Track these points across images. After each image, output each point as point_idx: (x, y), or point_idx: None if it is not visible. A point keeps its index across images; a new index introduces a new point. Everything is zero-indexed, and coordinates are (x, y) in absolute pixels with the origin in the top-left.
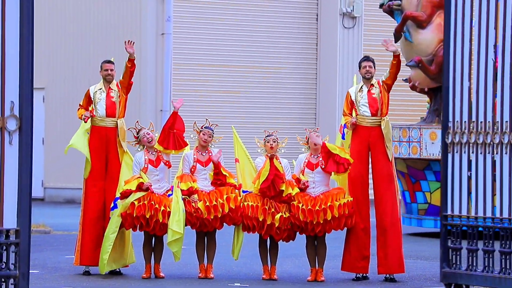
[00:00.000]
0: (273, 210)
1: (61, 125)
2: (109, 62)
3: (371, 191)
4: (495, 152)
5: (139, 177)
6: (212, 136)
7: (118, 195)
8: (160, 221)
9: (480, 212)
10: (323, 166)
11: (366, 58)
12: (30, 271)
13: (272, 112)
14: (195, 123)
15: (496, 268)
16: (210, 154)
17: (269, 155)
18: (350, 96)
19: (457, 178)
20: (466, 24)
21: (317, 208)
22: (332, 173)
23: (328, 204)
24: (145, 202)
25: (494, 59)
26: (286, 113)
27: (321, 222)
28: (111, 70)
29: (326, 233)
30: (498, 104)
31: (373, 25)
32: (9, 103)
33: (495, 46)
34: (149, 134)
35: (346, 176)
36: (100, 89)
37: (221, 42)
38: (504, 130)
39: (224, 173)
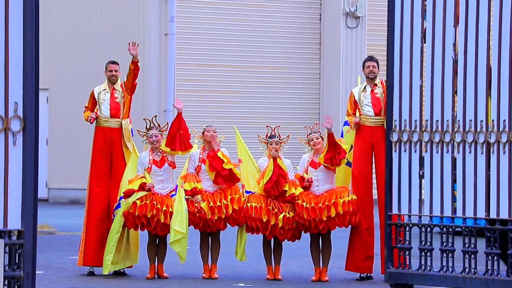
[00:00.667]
0: (276, 210)
1: (65, 126)
2: (114, 62)
3: (374, 191)
4: (455, 151)
5: (142, 177)
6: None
7: (121, 194)
8: (162, 221)
9: (436, 211)
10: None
11: (370, 58)
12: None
13: (276, 113)
14: (194, 130)
15: (457, 268)
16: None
17: (272, 155)
18: (354, 96)
19: (405, 177)
20: (415, 23)
21: (320, 205)
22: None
23: (332, 201)
24: (147, 201)
25: (453, 57)
26: (290, 114)
27: (325, 219)
28: (116, 70)
29: (331, 232)
30: (460, 102)
31: (376, 24)
32: (13, 104)
33: (454, 44)
34: (157, 136)
35: (346, 176)
36: (105, 89)
37: (225, 42)
38: (467, 129)
39: (221, 158)
